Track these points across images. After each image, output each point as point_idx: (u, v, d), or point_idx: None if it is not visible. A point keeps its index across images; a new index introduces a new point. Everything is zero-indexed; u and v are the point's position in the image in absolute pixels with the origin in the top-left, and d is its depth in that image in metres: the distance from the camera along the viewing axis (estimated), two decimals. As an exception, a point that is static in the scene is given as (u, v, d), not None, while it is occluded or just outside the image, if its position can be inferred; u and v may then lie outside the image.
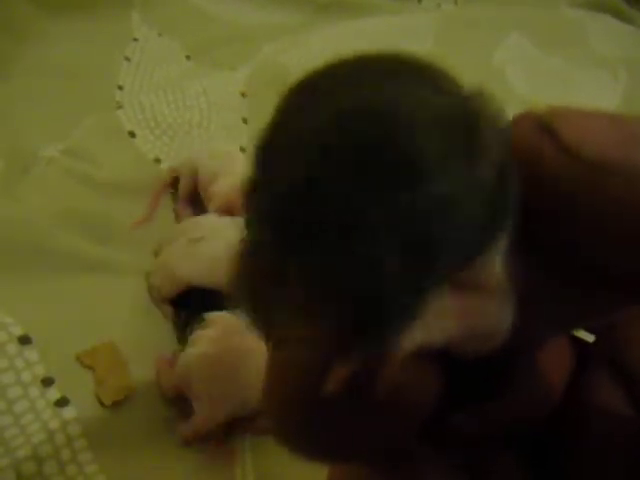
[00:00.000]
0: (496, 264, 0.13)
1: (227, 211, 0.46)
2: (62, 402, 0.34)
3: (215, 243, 0.42)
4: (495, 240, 0.13)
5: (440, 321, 0.13)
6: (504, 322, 0.13)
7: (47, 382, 0.35)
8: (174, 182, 0.51)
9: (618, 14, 0.92)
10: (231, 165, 0.49)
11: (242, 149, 0.58)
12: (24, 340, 0.36)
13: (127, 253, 0.45)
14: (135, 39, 0.67)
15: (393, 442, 0.15)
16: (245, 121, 0.60)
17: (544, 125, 0.13)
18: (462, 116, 0.12)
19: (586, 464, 0.17)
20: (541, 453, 0.17)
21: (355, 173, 0.11)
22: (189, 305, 0.41)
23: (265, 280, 0.12)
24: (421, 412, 0.14)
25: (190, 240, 0.42)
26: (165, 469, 0.34)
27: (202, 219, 0.46)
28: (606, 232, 0.13)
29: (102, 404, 0.35)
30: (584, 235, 0.13)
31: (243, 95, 0.62)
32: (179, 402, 0.36)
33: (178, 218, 0.49)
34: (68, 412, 0.34)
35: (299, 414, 0.14)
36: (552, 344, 0.17)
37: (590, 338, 0.18)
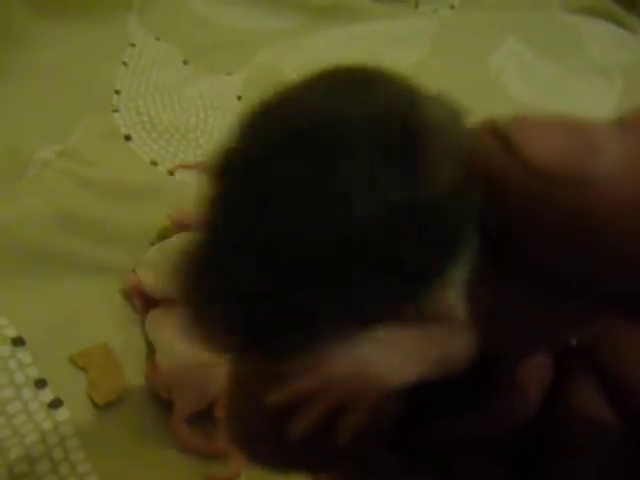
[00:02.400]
0: (453, 294, 0.13)
1: None
2: (55, 403, 0.34)
3: None
4: (451, 265, 0.12)
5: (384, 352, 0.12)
6: (465, 350, 0.13)
7: (40, 384, 0.35)
8: None
9: (613, 19, 0.93)
10: None
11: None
12: (18, 342, 0.36)
13: (123, 255, 0.45)
14: (132, 44, 0.68)
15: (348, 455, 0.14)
16: (242, 124, 0.60)
17: (500, 136, 0.13)
18: (400, 126, 0.11)
19: (567, 472, 0.16)
20: (522, 461, 0.17)
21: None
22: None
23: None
24: (375, 428, 0.14)
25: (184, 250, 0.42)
26: (157, 469, 0.34)
27: None
28: (561, 244, 0.12)
29: (95, 405, 0.35)
30: (542, 249, 0.12)
31: (240, 99, 0.62)
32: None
33: None
34: (61, 413, 0.34)
35: (251, 427, 0.14)
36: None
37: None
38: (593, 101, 0.78)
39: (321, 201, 0.11)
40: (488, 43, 0.80)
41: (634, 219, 0.12)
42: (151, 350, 0.39)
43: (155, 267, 0.42)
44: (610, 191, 0.12)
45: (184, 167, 0.54)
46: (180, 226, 0.46)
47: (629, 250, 0.12)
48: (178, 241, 0.44)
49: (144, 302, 0.41)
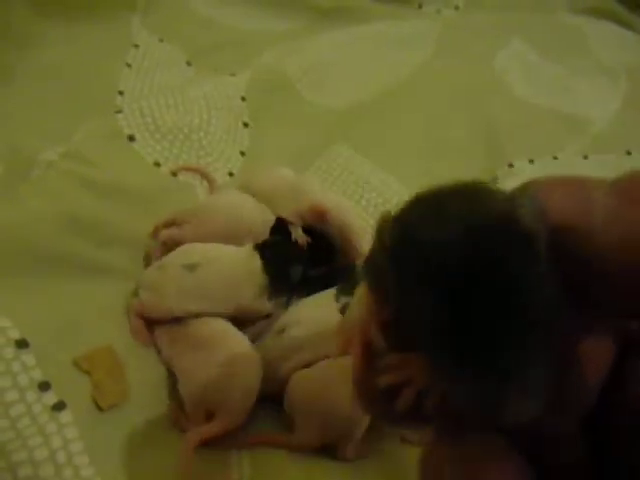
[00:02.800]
0: None
1: None
2: (59, 406, 0.34)
3: (211, 269, 0.42)
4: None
5: None
6: None
7: (44, 386, 0.35)
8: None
9: (617, 20, 0.92)
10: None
11: (242, 153, 0.58)
12: (21, 344, 0.36)
13: (126, 257, 0.45)
14: (136, 45, 0.68)
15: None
16: (246, 125, 0.60)
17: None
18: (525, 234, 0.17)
19: (628, 451, 0.19)
20: (589, 437, 0.20)
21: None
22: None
23: None
24: None
25: (184, 266, 0.42)
26: (160, 473, 0.34)
27: (197, 244, 0.45)
28: (574, 275, 0.18)
29: (99, 408, 0.34)
30: (562, 279, 0.18)
31: (243, 99, 0.62)
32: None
33: None
34: (64, 416, 0.34)
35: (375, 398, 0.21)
36: (591, 341, 0.20)
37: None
38: (597, 102, 0.78)
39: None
40: (492, 44, 0.80)
41: (623, 255, 0.17)
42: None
43: (155, 288, 0.42)
44: (603, 237, 0.17)
45: (187, 169, 0.54)
46: (171, 242, 0.45)
47: (623, 276, 0.17)
48: (177, 260, 0.43)
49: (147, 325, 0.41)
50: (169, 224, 0.47)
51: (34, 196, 0.45)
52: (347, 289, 0.41)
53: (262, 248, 0.43)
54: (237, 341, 0.40)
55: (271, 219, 0.48)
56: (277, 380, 0.39)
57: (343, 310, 0.40)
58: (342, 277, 0.44)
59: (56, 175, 0.47)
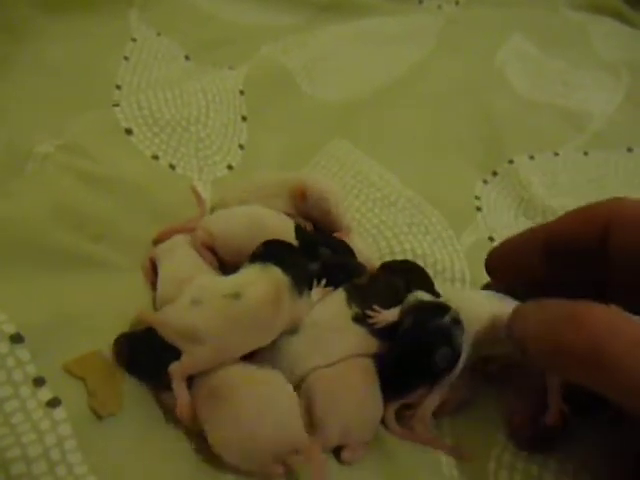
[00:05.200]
0: None
1: None
2: (53, 402, 0.33)
3: (253, 292, 0.37)
4: None
5: None
6: None
7: (38, 382, 0.34)
8: None
9: (619, 16, 0.92)
10: None
11: (241, 146, 0.58)
12: (16, 339, 0.35)
13: (123, 251, 0.45)
14: (133, 39, 0.67)
15: None
16: (244, 119, 0.60)
17: None
18: None
19: None
20: None
21: None
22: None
23: None
24: None
25: (227, 296, 0.36)
26: (157, 470, 0.33)
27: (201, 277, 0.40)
28: None
29: (98, 416, 0.34)
30: None
31: (242, 93, 0.61)
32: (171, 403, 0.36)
33: None
34: (59, 413, 0.33)
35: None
36: None
37: None
38: (599, 98, 0.77)
39: None
40: (494, 39, 0.79)
41: None
42: None
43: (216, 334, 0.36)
44: None
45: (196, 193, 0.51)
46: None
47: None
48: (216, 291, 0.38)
49: None
50: (185, 230, 0.46)
51: (30, 189, 0.44)
52: (357, 298, 0.41)
53: (265, 256, 0.39)
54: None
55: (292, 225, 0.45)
56: (291, 382, 0.38)
57: (357, 318, 0.40)
58: (339, 272, 0.43)
59: (52, 168, 0.46)
